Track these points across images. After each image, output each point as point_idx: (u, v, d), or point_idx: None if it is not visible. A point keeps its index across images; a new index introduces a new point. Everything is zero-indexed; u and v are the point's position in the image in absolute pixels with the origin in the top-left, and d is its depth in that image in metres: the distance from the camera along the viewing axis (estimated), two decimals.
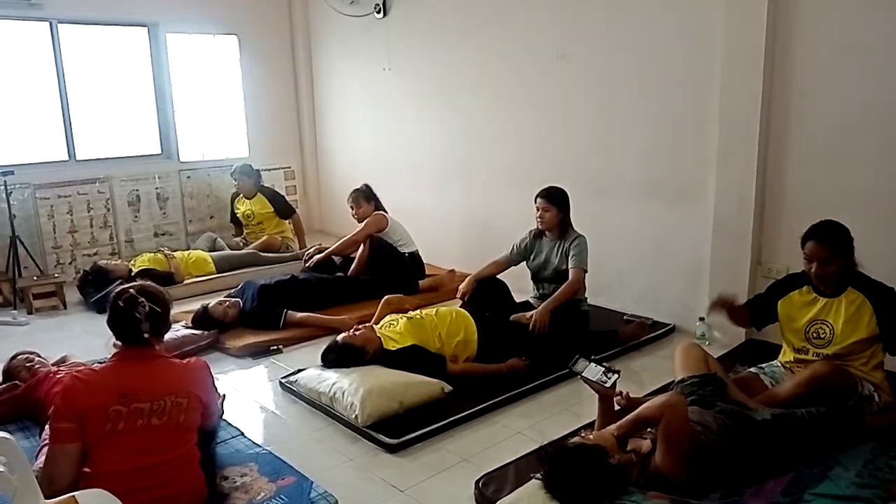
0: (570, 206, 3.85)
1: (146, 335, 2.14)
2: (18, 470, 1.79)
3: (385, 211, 4.98)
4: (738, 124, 3.55)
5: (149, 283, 2.31)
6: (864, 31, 3.16)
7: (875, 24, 3.12)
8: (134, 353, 2.15)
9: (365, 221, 4.86)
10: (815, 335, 2.68)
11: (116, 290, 2.22)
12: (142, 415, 2.06)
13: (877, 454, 2.42)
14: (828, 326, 2.64)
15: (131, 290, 2.17)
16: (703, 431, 2.26)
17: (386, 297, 3.89)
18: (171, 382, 2.15)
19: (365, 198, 4.94)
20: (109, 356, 2.26)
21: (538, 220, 3.83)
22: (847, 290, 2.61)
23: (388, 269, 4.72)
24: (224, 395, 3.11)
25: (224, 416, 2.90)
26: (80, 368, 2.19)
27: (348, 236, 4.92)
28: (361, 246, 4.90)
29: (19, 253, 4.93)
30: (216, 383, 2.39)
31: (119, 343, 2.23)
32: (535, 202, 3.83)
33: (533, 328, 3.53)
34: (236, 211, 5.95)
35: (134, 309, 2.12)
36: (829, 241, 2.55)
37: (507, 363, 3.35)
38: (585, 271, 3.75)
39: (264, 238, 5.74)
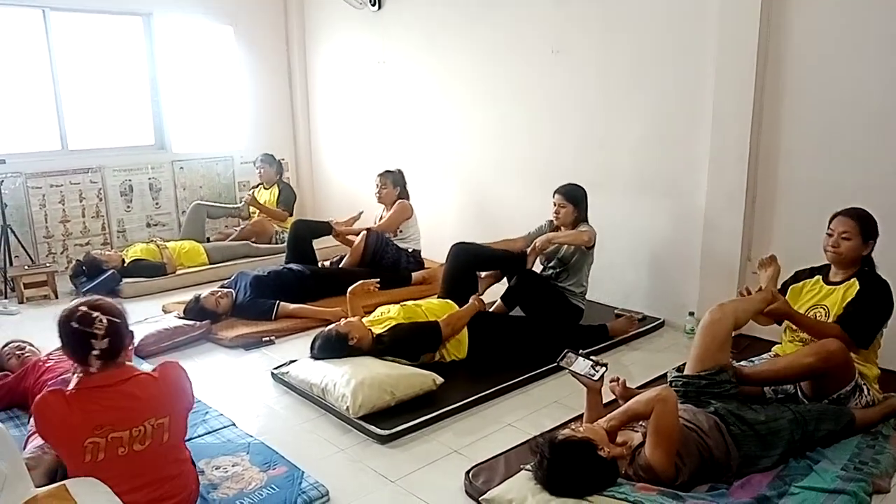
0: (588, 204, 3.84)
1: (97, 352, 1.90)
2: (8, 458, 1.79)
3: (409, 200, 4.96)
4: (729, 120, 3.57)
5: (97, 297, 2.05)
6: (855, 28, 3.18)
7: (866, 22, 3.14)
8: (102, 379, 1.94)
9: (393, 209, 4.86)
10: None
11: (64, 312, 1.94)
12: (122, 443, 1.92)
13: (862, 448, 2.46)
14: (824, 310, 2.69)
15: (83, 308, 1.93)
16: (695, 429, 2.27)
17: (349, 289, 3.59)
18: (148, 405, 1.98)
19: (393, 182, 4.91)
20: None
21: (554, 214, 3.83)
22: (852, 280, 2.67)
23: (382, 262, 4.73)
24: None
25: (215, 407, 2.93)
26: (53, 389, 1.98)
27: (381, 223, 4.90)
28: (357, 238, 4.90)
29: (10, 242, 4.91)
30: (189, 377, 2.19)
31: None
32: (553, 197, 3.83)
33: (531, 251, 3.72)
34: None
35: (90, 326, 1.89)
36: (856, 217, 2.65)
37: (469, 304, 3.46)
38: (594, 237, 3.76)
39: (255, 220, 5.74)
